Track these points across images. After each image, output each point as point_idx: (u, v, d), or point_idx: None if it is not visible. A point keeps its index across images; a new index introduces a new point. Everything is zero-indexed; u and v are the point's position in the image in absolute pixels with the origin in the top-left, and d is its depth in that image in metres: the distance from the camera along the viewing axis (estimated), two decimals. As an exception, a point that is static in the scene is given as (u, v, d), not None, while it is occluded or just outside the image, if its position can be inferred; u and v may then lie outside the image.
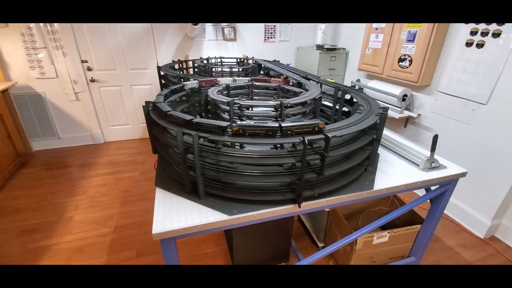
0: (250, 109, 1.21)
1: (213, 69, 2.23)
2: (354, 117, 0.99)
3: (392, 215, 1.24)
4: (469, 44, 1.92)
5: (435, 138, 1.14)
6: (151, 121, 1.13)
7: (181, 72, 2.44)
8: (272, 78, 1.61)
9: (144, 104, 1.12)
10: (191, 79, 1.61)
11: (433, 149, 1.16)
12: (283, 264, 1.63)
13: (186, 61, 2.47)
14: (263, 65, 2.28)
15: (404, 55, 2.31)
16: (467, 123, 2.00)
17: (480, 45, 1.85)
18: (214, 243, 1.84)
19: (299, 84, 1.55)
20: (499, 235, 1.96)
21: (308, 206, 0.95)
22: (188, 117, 0.83)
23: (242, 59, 2.58)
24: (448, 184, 1.24)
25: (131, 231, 1.92)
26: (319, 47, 3.17)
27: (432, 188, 1.27)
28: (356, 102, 1.28)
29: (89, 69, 2.93)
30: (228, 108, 1.16)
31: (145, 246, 1.79)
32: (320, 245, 1.77)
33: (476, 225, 2.00)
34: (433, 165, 1.20)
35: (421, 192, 2.38)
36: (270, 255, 1.55)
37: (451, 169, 1.21)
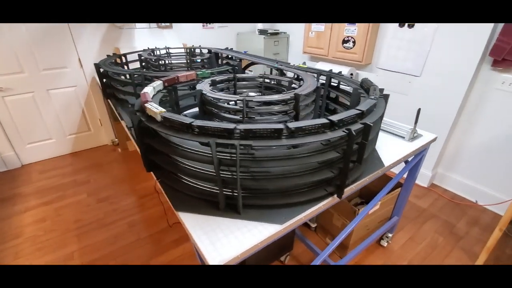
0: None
1: (166, 62, 1.97)
2: (369, 102, 1.02)
3: (387, 188, 1.36)
4: (401, 24, 2.20)
5: (419, 111, 1.29)
6: (144, 134, 0.93)
7: (125, 68, 2.09)
8: (181, 74, 1.32)
9: (134, 116, 0.91)
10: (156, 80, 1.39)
11: (416, 121, 1.31)
12: (287, 254, 1.64)
13: (124, 55, 2.11)
14: (221, 54, 2.13)
15: (348, 36, 2.50)
16: (405, 93, 2.34)
17: (411, 25, 2.14)
18: (209, 252, 1.71)
19: (282, 74, 1.51)
20: (436, 182, 2.42)
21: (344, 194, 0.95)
22: (230, 125, 0.70)
23: (191, 49, 2.35)
24: (424, 150, 1.43)
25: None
26: (263, 32, 3.15)
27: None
28: (343, 86, 1.32)
29: (-19, 74, 2.20)
30: (230, 106, 1.05)
31: (130, 278, 1.53)
32: (313, 225, 1.85)
33: (420, 177, 2.42)
34: (415, 135, 1.36)
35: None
36: (278, 249, 1.54)
37: (427, 136, 1.40)
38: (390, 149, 1.25)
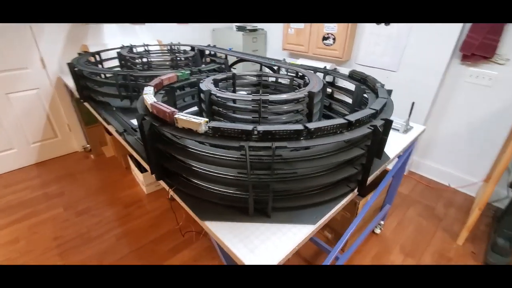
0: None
1: (149, 60, 1.84)
2: (384, 91, 1.04)
3: (385, 182, 1.43)
4: (378, 22, 2.31)
5: (413, 105, 1.36)
6: (155, 140, 0.86)
7: (100, 66, 1.92)
8: (164, 77, 1.24)
9: (140, 121, 0.83)
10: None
11: (410, 114, 1.39)
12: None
13: (98, 53, 1.94)
14: (208, 52, 2.06)
15: (328, 33, 2.56)
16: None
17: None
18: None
19: (275, 72, 1.50)
20: (412, 169, 2.61)
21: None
22: (298, 126, 0.67)
23: (172, 46, 2.23)
24: (415, 141, 1.53)
25: (98, 283, 1.48)
26: (241, 28, 3.10)
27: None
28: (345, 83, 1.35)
29: None
30: (245, 106, 1.01)
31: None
32: (310, 220, 1.88)
33: (399, 166, 2.59)
34: (408, 127, 1.44)
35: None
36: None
37: (417, 128, 1.49)
38: (389, 142, 1.31)
